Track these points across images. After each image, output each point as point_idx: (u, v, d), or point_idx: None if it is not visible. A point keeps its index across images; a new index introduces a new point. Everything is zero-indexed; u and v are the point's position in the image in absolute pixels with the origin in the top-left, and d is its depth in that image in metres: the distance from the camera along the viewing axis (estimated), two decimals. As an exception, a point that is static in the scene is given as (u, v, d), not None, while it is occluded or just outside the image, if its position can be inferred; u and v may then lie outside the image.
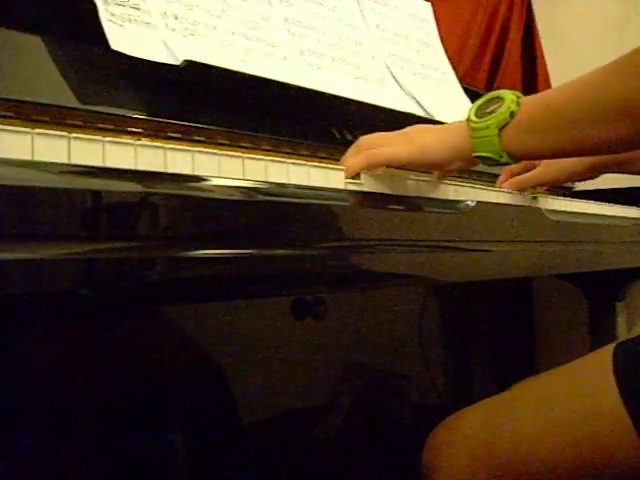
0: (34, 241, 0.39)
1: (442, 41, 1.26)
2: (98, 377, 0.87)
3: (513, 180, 0.98)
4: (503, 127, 0.67)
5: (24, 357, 0.81)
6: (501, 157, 0.68)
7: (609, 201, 1.19)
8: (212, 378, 1.01)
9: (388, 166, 0.70)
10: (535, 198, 0.92)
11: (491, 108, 0.68)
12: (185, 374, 0.99)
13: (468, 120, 0.70)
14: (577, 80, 0.66)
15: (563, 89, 0.67)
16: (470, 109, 0.71)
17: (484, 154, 0.68)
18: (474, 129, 0.69)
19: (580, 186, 1.50)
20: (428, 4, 1.27)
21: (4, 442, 0.76)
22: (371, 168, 0.67)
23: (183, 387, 0.97)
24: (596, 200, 1.16)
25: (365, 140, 0.72)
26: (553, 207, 0.95)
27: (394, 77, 1.09)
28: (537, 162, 0.99)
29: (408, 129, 0.74)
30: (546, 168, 0.99)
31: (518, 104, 0.67)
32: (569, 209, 1.02)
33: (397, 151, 0.70)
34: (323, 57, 0.97)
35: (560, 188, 1.43)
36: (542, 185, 1.02)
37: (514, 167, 0.99)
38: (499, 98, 0.69)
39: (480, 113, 0.69)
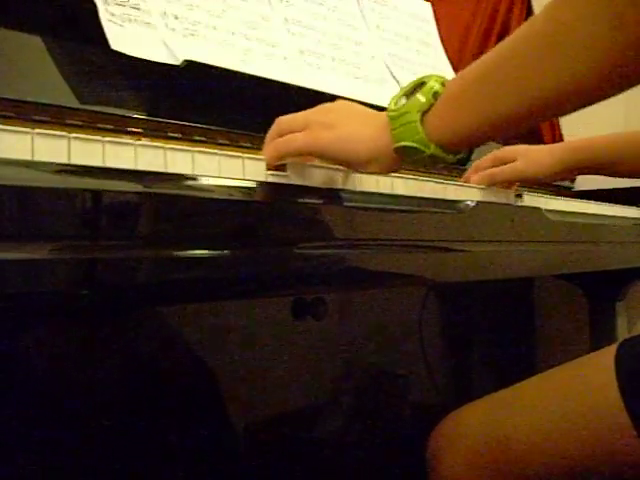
0: (34, 241, 0.39)
1: (442, 41, 1.26)
2: (98, 377, 0.87)
3: (483, 173, 0.92)
4: (426, 112, 0.57)
5: (24, 357, 0.81)
6: (427, 147, 0.57)
7: (609, 201, 1.19)
8: (212, 378, 1.01)
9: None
10: (520, 196, 0.89)
11: (414, 93, 0.59)
12: (185, 374, 0.99)
13: (387, 111, 0.60)
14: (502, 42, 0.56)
15: (487, 54, 0.57)
16: (391, 99, 0.61)
17: (407, 144, 0.57)
18: (393, 118, 0.58)
19: (580, 186, 1.50)
20: (428, 4, 1.27)
21: (4, 442, 0.76)
22: (280, 160, 0.59)
23: (183, 387, 0.97)
24: (596, 200, 1.16)
25: (284, 122, 0.63)
26: (553, 207, 0.95)
27: (394, 77, 1.09)
28: (508, 157, 0.96)
29: (333, 106, 0.64)
30: (524, 163, 0.96)
31: (443, 85, 0.58)
32: (569, 209, 1.02)
33: (311, 142, 0.60)
34: (323, 57, 0.97)
35: (560, 188, 1.43)
36: (520, 182, 0.99)
37: (482, 162, 0.97)
38: (422, 82, 0.59)
39: (402, 101, 0.60)
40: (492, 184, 0.90)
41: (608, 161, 1.02)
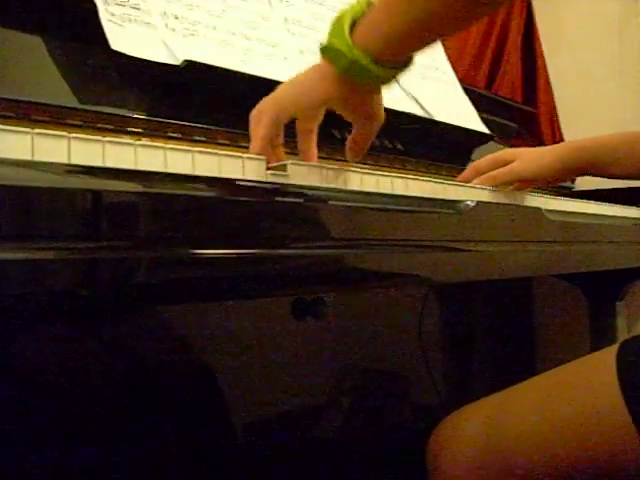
0: (34, 241, 0.39)
1: (442, 41, 1.26)
2: (98, 377, 0.87)
3: (484, 176, 0.94)
4: (358, 20, 0.61)
5: (24, 357, 0.81)
6: (351, 51, 0.60)
7: (609, 201, 1.19)
8: (212, 378, 1.01)
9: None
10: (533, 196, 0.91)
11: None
12: (185, 374, 0.99)
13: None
14: None
15: None
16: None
17: (334, 43, 0.60)
18: (332, 23, 0.62)
19: (580, 186, 1.50)
20: (428, 4, 1.27)
21: (4, 442, 0.76)
22: (266, 132, 0.63)
23: (183, 386, 0.97)
24: (596, 200, 1.16)
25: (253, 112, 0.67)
26: (553, 207, 0.95)
27: (394, 77, 1.09)
28: (508, 159, 0.96)
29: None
30: (523, 163, 0.96)
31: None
32: (569, 209, 1.02)
33: (272, 98, 0.65)
34: (323, 57, 0.97)
35: (560, 188, 1.43)
36: (520, 182, 0.99)
37: (481, 163, 0.97)
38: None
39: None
40: (493, 185, 0.91)
41: (607, 161, 1.02)
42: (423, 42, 0.63)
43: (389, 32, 0.60)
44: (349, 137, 0.71)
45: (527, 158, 0.97)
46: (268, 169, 0.58)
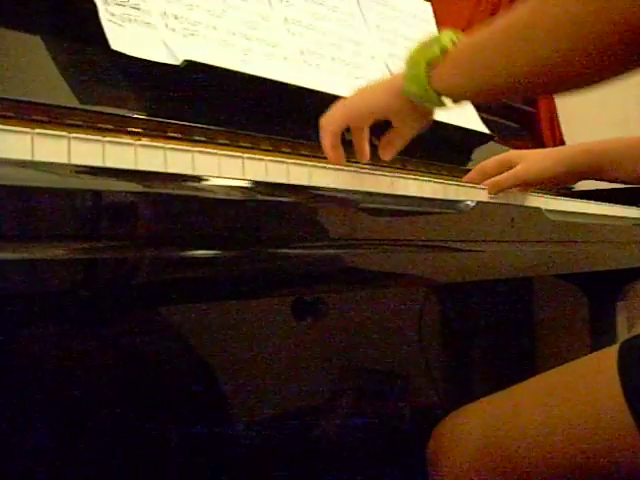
0: (34, 241, 0.39)
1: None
2: (98, 377, 0.87)
3: (489, 182, 0.94)
4: (434, 64, 0.65)
5: (24, 357, 0.81)
6: (427, 92, 0.66)
7: (609, 201, 1.19)
8: (212, 378, 1.01)
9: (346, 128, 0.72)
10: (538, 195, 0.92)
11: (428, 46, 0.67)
12: (185, 374, 0.99)
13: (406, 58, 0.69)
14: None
15: (491, 25, 0.62)
16: (411, 49, 0.70)
17: (411, 87, 0.67)
18: (406, 65, 0.68)
19: (580, 186, 1.50)
20: (428, 4, 1.27)
21: (4, 442, 0.76)
22: (334, 132, 0.70)
23: (183, 387, 0.97)
24: (596, 200, 1.16)
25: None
26: (553, 207, 0.95)
27: (394, 77, 1.09)
28: (513, 161, 0.97)
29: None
30: (526, 167, 0.96)
31: (454, 43, 0.65)
32: (569, 209, 1.02)
33: (343, 106, 0.71)
34: (323, 57, 0.97)
35: (560, 188, 1.43)
36: (523, 185, 0.99)
37: (487, 165, 0.97)
38: (437, 38, 0.67)
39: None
40: (499, 192, 0.92)
41: (612, 166, 1.02)
42: (497, 97, 0.69)
43: (472, 88, 0.65)
44: (384, 137, 0.75)
45: (531, 160, 0.97)
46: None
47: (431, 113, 0.72)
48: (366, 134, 0.75)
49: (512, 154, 1.00)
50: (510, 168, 0.96)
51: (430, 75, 0.65)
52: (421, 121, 0.73)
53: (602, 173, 1.03)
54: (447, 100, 0.67)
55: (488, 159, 0.99)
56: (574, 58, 0.53)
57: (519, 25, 0.57)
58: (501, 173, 0.95)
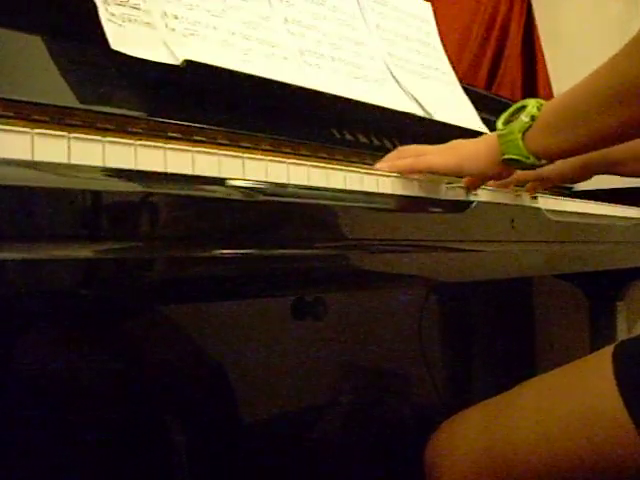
0: (34, 241, 0.39)
1: (442, 41, 1.26)
2: (98, 376, 0.87)
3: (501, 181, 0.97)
4: (526, 131, 0.72)
5: (24, 357, 0.81)
6: (528, 158, 0.72)
7: (609, 201, 1.19)
8: (212, 378, 1.01)
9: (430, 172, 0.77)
10: (535, 198, 0.92)
11: (516, 115, 0.74)
12: (185, 374, 0.99)
13: (497, 129, 0.76)
14: (592, 72, 0.68)
15: (579, 83, 0.70)
16: (499, 119, 0.77)
17: (512, 156, 0.73)
18: (500, 136, 0.74)
19: (580, 186, 1.50)
20: (428, 4, 1.27)
21: (4, 442, 0.76)
22: (413, 172, 0.75)
23: (183, 387, 0.97)
24: (596, 200, 1.16)
25: (408, 147, 0.80)
26: (553, 207, 0.95)
27: (394, 77, 1.09)
28: None
29: (451, 142, 0.81)
30: None
31: (539, 109, 0.72)
32: (569, 209, 1.02)
33: (439, 160, 0.77)
34: (323, 57, 0.97)
35: (560, 188, 1.43)
36: (540, 181, 1.00)
37: None
38: (523, 106, 0.74)
39: (506, 121, 0.75)
40: (507, 187, 0.93)
41: (626, 157, 1.02)
42: (591, 150, 0.75)
43: (569, 143, 0.71)
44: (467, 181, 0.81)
45: None
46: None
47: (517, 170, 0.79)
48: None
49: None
50: None
51: (525, 141, 0.72)
52: (506, 175, 0.80)
53: (618, 167, 1.04)
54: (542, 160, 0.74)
55: None
56: None
57: (605, 85, 0.65)
58: None
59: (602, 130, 0.67)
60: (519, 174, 0.95)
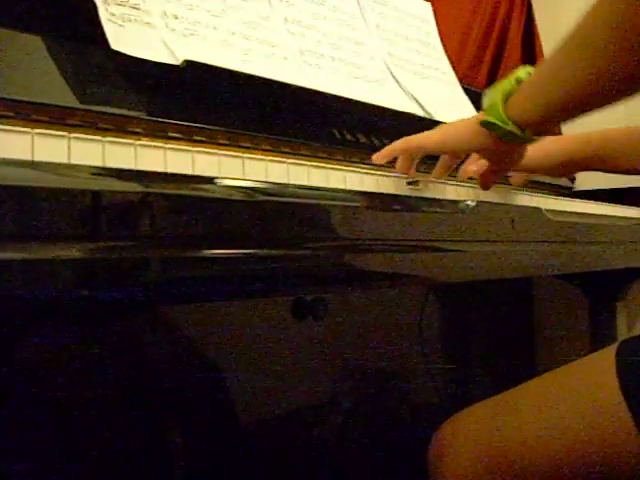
0: (34, 241, 0.39)
1: (442, 41, 1.26)
2: (98, 377, 0.87)
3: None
4: (509, 95, 0.69)
5: (24, 357, 0.81)
6: (506, 124, 0.68)
7: (609, 201, 1.19)
8: (212, 378, 1.01)
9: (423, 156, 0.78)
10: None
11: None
12: (185, 374, 0.99)
13: (484, 94, 0.73)
14: (572, 28, 0.63)
15: (561, 40, 0.65)
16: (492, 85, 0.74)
17: (489, 119, 0.70)
18: (485, 99, 0.71)
19: (580, 186, 1.50)
20: (428, 4, 1.27)
21: (4, 442, 0.76)
22: (404, 153, 0.77)
23: (183, 387, 0.97)
24: (596, 200, 1.16)
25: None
26: (553, 207, 0.95)
27: (394, 77, 1.09)
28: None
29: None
30: (528, 153, 0.95)
31: (529, 74, 0.69)
32: (569, 209, 1.02)
33: (424, 137, 0.77)
34: (323, 57, 0.97)
35: (560, 188, 1.43)
36: (525, 171, 0.99)
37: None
38: (513, 72, 0.71)
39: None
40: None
41: (614, 155, 1.02)
42: (575, 115, 0.70)
43: (544, 106, 0.67)
44: (484, 172, 0.80)
45: (531, 147, 0.95)
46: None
47: (518, 148, 0.75)
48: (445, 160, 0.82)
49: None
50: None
51: (506, 105, 0.68)
52: (514, 154, 0.76)
53: (603, 163, 1.03)
54: (528, 132, 0.69)
55: None
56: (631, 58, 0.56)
57: (581, 30, 0.61)
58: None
59: (590, 83, 0.61)
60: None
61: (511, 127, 0.68)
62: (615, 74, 0.58)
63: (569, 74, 0.62)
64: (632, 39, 0.54)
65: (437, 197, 0.75)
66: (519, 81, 0.69)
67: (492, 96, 0.70)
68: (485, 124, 0.70)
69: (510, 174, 0.99)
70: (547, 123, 0.72)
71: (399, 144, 0.78)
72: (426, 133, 0.78)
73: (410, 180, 0.76)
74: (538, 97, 0.67)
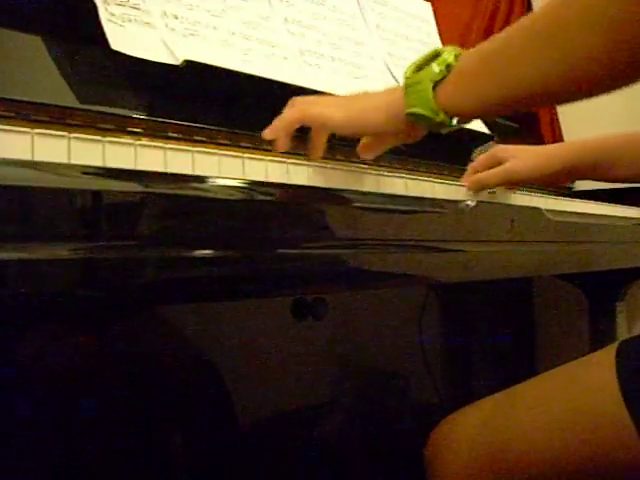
0: (34, 241, 0.39)
1: (442, 41, 1.26)
2: (98, 377, 0.87)
3: (474, 178, 0.86)
4: (439, 82, 0.61)
5: (24, 357, 0.81)
6: (437, 115, 0.61)
7: (609, 201, 1.19)
8: (212, 378, 1.01)
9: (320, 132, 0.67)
10: (494, 193, 0.87)
11: (428, 63, 0.63)
12: (185, 374, 0.99)
13: (404, 77, 0.64)
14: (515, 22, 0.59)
15: (498, 33, 0.60)
16: (408, 67, 0.65)
17: (417, 111, 0.62)
18: (407, 85, 0.63)
19: (580, 186, 1.50)
20: (428, 4, 1.27)
21: (4, 442, 0.76)
22: (302, 123, 0.65)
23: (183, 387, 0.97)
24: (596, 200, 1.16)
25: (300, 98, 0.68)
26: (553, 207, 0.95)
27: (394, 77, 1.09)
28: (501, 157, 0.90)
29: (347, 95, 0.70)
30: (519, 163, 0.90)
31: (457, 57, 0.62)
32: (569, 209, 1.02)
33: (333, 112, 0.66)
34: (323, 57, 0.97)
35: (560, 188, 1.43)
36: (511, 184, 0.93)
37: (477, 164, 0.91)
38: (438, 54, 0.63)
39: (417, 69, 0.63)
40: (482, 189, 0.85)
41: (611, 162, 0.98)
42: (513, 109, 0.65)
43: (484, 99, 0.61)
44: (364, 142, 0.72)
45: (521, 157, 0.91)
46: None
47: (424, 131, 0.68)
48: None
49: (499, 150, 0.92)
50: (499, 164, 0.89)
51: (435, 93, 0.61)
52: (413, 138, 0.70)
53: (599, 171, 0.98)
54: (454, 120, 0.63)
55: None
56: (602, 56, 0.51)
57: (543, 25, 0.55)
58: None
59: (527, 82, 0.56)
60: (486, 175, 0.86)
61: (442, 118, 0.62)
62: (595, 70, 0.52)
63: (526, 70, 0.56)
64: (628, 37, 0.49)
65: (437, 197, 0.75)
66: (449, 67, 0.61)
67: (418, 83, 0.62)
68: (412, 115, 0.63)
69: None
70: (483, 114, 0.66)
71: (294, 115, 0.65)
72: (325, 106, 0.67)
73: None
74: (478, 89, 0.60)
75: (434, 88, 0.61)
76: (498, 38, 0.59)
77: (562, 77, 0.54)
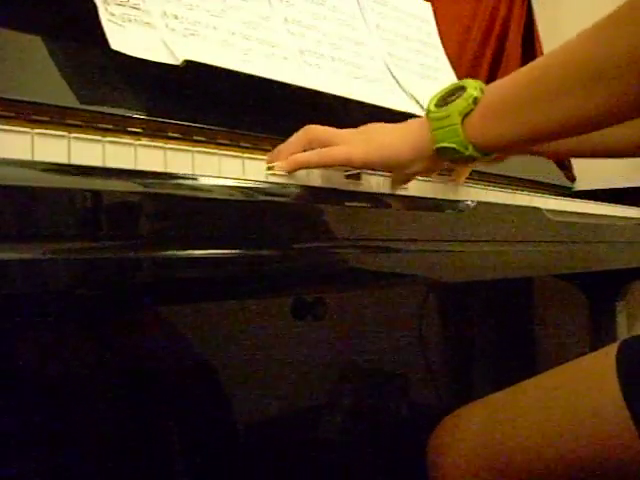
0: (34, 241, 0.39)
1: (442, 41, 1.26)
2: (98, 376, 0.87)
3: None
4: (466, 115, 0.61)
5: (24, 357, 0.81)
6: (466, 149, 0.61)
7: (609, 201, 1.19)
8: (212, 378, 1.01)
9: (343, 166, 0.65)
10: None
11: (452, 97, 0.63)
12: (184, 374, 0.99)
13: (428, 112, 0.64)
14: (551, 51, 0.60)
15: (532, 64, 0.61)
16: (430, 100, 0.65)
17: (447, 145, 0.62)
18: (434, 119, 0.63)
19: (580, 186, 1.50)
20: (428, 4, 1.27)
21: (4, 442, 0.76)
22: (320, 167, 0.63)
23: (183, 387, 0.97)
24: (596, 200, 1.16)
25: (316, 133, 0.65)
26: (553, 207, 0.95)
27: (394, 77, 1.09)
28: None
29: (366, 127, 0.68)
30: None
31: (482, 91, 0.62)
32: (569, 209, 1.02)
33: (353, 151, 0.63)
34: (323, 57, 0.97)
35: (560, 188, 1.43)
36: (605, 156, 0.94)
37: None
38: (461, 87, 0.63)
39: (441, 103, 0.64)
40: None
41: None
42: (541, 142, 0.66)
43: (516, 132, 0.61)
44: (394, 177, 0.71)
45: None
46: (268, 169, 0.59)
47: (444, 165, 0.68)
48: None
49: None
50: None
51: (463, 127, 0.61)
52: (431, 172, 0.71)
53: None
54: (481, 154, 0.63)
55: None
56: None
57: (579, 59, 0.57)
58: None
59: (566, 115, 0.57)
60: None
61: (471, 152, 0.62)
62: (631, 102, 0.54)
63: (563, 104, 0.56)
64: None
65: (437, 197, 0.75)
66: (476, 100, 0.62)
67: (446, 117, 0.62)
68: (442, 150, 0.62)
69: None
70: (511, 147, 0.66)
71: (313, 158, 0.62)
72: (349, 142, 0.64)
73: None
74: (510, 123, 0.60)
75: (462, 122, 0.61)
76: (525, 73, 0.60)
77: (603, 106, 0.55)
